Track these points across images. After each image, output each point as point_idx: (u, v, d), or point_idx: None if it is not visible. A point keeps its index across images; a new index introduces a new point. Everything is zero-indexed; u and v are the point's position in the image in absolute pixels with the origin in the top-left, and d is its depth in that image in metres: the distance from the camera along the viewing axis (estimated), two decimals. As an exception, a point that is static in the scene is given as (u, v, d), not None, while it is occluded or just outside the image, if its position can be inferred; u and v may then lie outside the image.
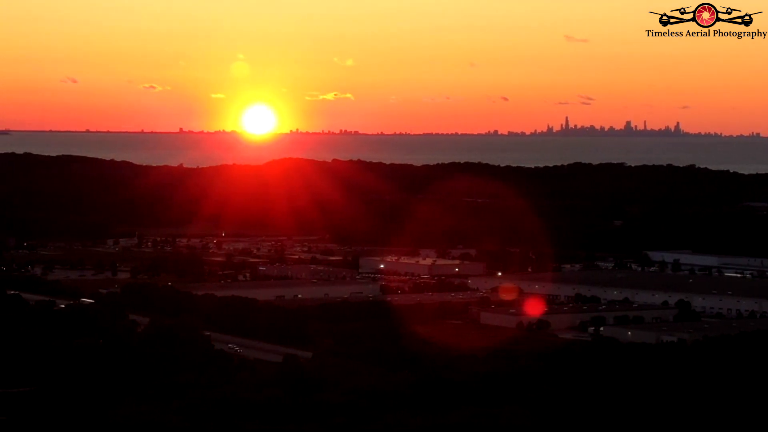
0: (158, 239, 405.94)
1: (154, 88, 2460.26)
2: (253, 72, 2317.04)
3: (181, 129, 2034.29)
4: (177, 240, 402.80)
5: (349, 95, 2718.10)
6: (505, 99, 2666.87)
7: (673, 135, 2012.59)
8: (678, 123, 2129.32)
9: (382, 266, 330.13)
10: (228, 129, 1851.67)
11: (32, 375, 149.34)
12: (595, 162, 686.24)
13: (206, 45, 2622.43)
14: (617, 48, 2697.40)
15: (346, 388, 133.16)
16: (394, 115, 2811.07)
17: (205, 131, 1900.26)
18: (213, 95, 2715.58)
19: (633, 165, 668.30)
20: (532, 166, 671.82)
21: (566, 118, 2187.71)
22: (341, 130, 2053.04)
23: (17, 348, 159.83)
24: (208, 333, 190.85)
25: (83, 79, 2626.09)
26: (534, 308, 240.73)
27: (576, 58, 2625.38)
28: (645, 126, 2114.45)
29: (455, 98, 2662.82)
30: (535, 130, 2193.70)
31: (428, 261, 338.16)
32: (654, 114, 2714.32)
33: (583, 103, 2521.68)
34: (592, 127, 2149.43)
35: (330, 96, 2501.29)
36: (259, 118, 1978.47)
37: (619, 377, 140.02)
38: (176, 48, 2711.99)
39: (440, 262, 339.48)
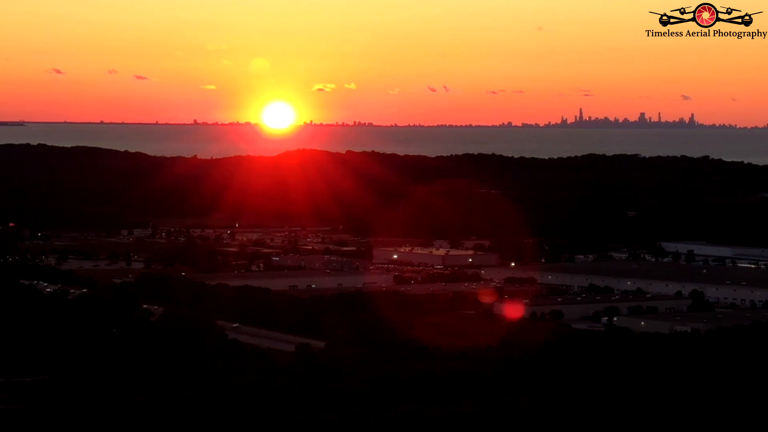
0: (172, 230, 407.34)
1: (145, 78, 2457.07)
2: (242, 64, 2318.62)
3: (195, 120, 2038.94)
4: (191, 231, 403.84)
5: (346, 86, 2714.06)
6: (502, 90, 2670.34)
7: (687, 126, 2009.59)
8: (693, 114, 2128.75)
9: (395, 257, 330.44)
10: (242, 120, 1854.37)
11: (47, 364, 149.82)
12: (609, 153, 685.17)
13: (191, 36, 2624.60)
14: (617, 42, 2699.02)
15: (360, 377, 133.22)
16: (399, 107, 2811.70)
17: (220, 123, 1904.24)
18: (203, 86, 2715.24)
19: (647, 156, 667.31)
20: (546, 158, 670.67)
21: (580, 109, 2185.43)
22: (355, 122, 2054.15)
23: (32, 337, 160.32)
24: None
25: (69, 70, 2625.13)
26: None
27: (573, 54, 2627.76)
28: (660, 118, 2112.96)
29: (455, 90, 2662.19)
30: (549, 122, 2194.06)
31: (441, 251, 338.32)
32: (656, 106, 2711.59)
33: (585, 95, 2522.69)
34: (606, 118, 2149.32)
35: (328, 88, 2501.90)
36: (272, 111, 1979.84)
37: (632, 367, 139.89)
38: (162, 39, 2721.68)
39: (453, 252, 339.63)
